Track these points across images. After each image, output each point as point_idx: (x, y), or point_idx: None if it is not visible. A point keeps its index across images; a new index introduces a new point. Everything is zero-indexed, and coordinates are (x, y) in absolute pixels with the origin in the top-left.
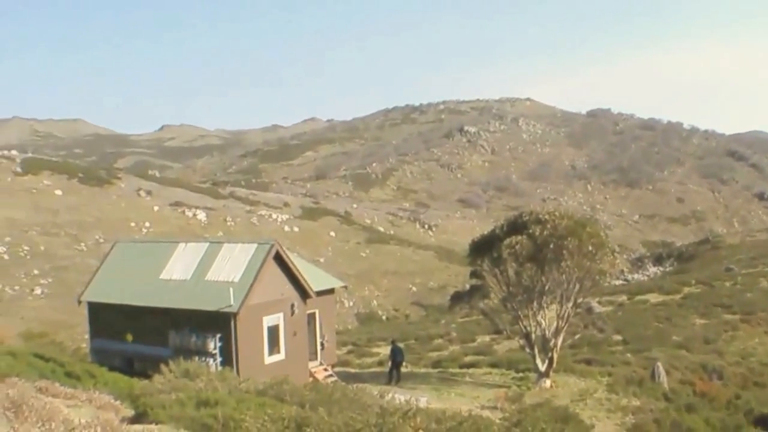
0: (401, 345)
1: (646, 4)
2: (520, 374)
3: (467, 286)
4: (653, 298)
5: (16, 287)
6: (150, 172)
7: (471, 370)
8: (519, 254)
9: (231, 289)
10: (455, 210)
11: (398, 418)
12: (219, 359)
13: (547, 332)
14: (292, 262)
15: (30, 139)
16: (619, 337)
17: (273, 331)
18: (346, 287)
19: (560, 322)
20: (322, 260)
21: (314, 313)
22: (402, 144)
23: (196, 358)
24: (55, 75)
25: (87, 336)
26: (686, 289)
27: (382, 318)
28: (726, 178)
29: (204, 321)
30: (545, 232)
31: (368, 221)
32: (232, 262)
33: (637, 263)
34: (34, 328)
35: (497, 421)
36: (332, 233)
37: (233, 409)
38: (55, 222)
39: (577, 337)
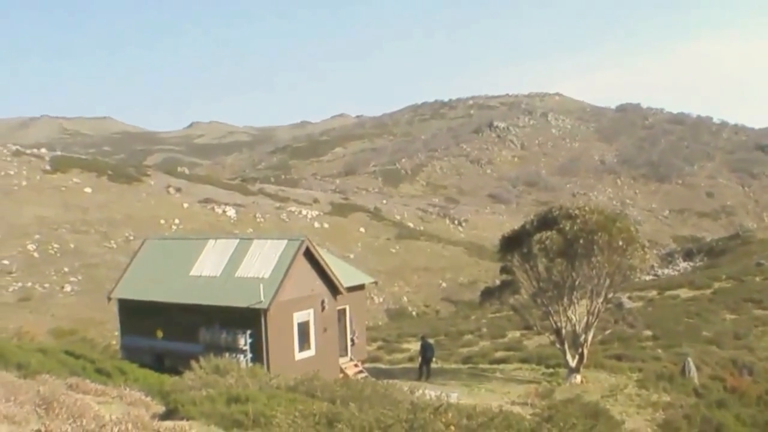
0: (431, 341)
1: None
2: (551, 370)
3: (497, 282)
4: (683, 293)
5: (47, 285)
6: (179, 169)
7: (501, 366)
8: (549, 249)
9: (261, 286)
10: (485, 205)
11: (429, 414)
12: (249, 355)
13: (577, 328)
14: (322, 258)
15: (59, 137)
16: (649, 333)
17: (303, 327)
18: (376, 283)
19: (591, 318)
20: (351, 256)
21: (344, 309)
22: (431, 139)
23: (227, 354)
24: (83, 73)
25: (117, 333)
26: (716, 285)
27: (412, 314)
28: (756, 172)
29: (234, 317)
30: (575, 227)
31: (398, 217)
32: (263, 259)
33: (667, 258)
34: (65, 326)
35: (528, 416)
36: (362, 229)
37: (264, 406)
38: (84, 219)
39: (607, 332)
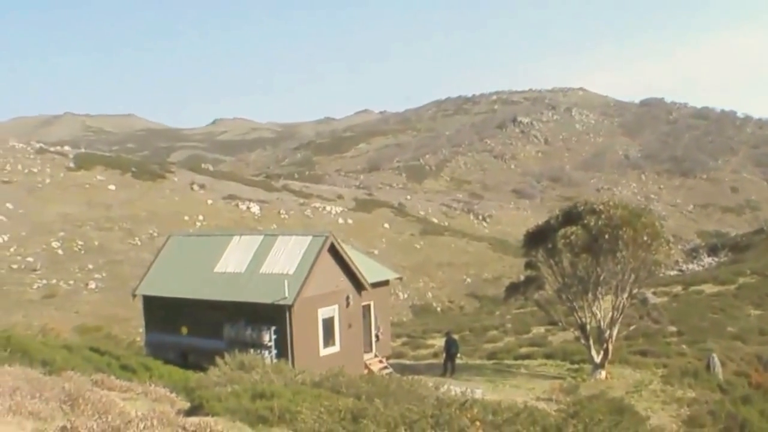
0: (456, 336)
1: None
2: (575, 366)
3: (522, 277)
4: (708, 288)
5: (71, 282)
6: (203, 165)
7: (526, 362)
8: (574, 245)
9: (286, 282)
10: (509, 201)
11: (455, 410)
12: (274, 351)
13: (602, 323)
14: (346, 254)
15: (82, 134)
16: (674, 329)
17: (328, 323)
18: (400, 279)
19: (615, 313)
20: (376, 252)
21: (369, 305)
22: (455, 135)
23: (251, 350)
24: (106, 71)
25: (141, 329)
26: (741, 280)
27: (437, 310)
28: None
29: (259, 313)
30: (600, 223)
31: (422, 213)
32: (287, 255)
33: (692, 253)
34: (89, 322)
35: (553, 412)
36: (386, 225)
37: (289, 401)
38: (108, 216)
39: (632, 328)
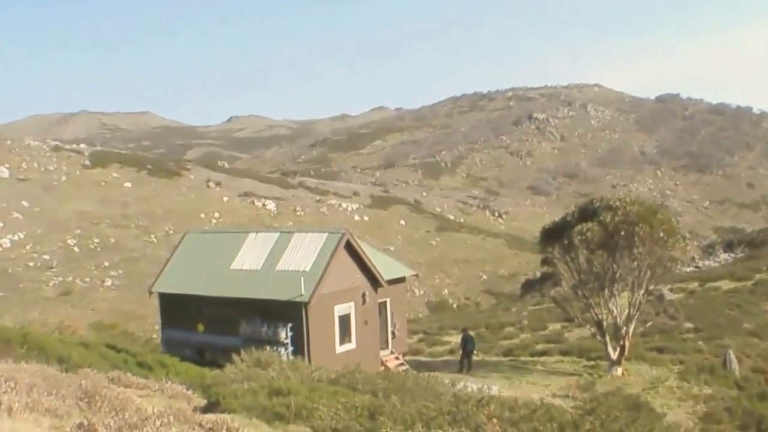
0: (472, 333)
1: None
2: (592, 362)
3: (538, 274)
4: (724, 284)
5: (87, 279)
6: (219, 163)
7: (542, 359)
8: (590, 241)
9: (302, 279)
10: (525, 197)
11: (472, 406)
12: (290, 348)
13: (618, 320)
14: (363, 251)
15: (98, 132)
16: (690, 325)
17: (344, 320)
18: (416, 276)
19: (632, 310)
20: (392, 249)
21: (385, 302)
22: (471, 131)
23: (268, 347)
24: (122, 69)
25: (158, 327)
26: (758, 276)
27: (453, 306)
28: None
29: (275, 310)
30: (616, 219)
31: (438, 209)
32: (303, 252)
33: (708, 250)
34: (105, 320)
35: (569, 409)
36: (402, 222)
37: (306, 398)
38: (124, 214)
39: (648, 324)
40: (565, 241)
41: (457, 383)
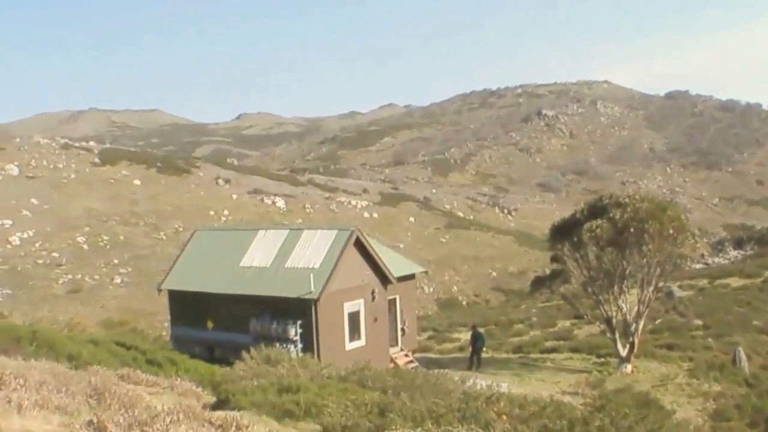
0: (482, 330)
1: None
2: (601, 359)
3: (547, 271)
4: (734, 282)
5: (97, 276)
6: (228, 160)
7: (552, 356)
8: (599, 238)
9: (311, 276)
10: (534, 194)
11: (481, 403)
12: (300, 346)
13: (628, 317)
14: (372, 248)
15: (107, 130)
16: (699, 322)
17: (354, 317)
18: (426, 273)
19: (641, 307)
20: (401, 246)
21: (395, 299)
22: (480, 128)
23: (277, 344)
24: (131, 66)
25: (167, 324)
26: (767, 273)
27: (462, 303)
28: None
29: (284, 308)
30: (626, 216)
31: (447, 206)
32: (313, 249)
33: (718, 247)
34: (115, 317)
35: (579, 406)
36: (411, 219)
37: (315, 395)
38: (133, 211)
39: (658, 321)
40: (575, 238)
41: (467, 380)
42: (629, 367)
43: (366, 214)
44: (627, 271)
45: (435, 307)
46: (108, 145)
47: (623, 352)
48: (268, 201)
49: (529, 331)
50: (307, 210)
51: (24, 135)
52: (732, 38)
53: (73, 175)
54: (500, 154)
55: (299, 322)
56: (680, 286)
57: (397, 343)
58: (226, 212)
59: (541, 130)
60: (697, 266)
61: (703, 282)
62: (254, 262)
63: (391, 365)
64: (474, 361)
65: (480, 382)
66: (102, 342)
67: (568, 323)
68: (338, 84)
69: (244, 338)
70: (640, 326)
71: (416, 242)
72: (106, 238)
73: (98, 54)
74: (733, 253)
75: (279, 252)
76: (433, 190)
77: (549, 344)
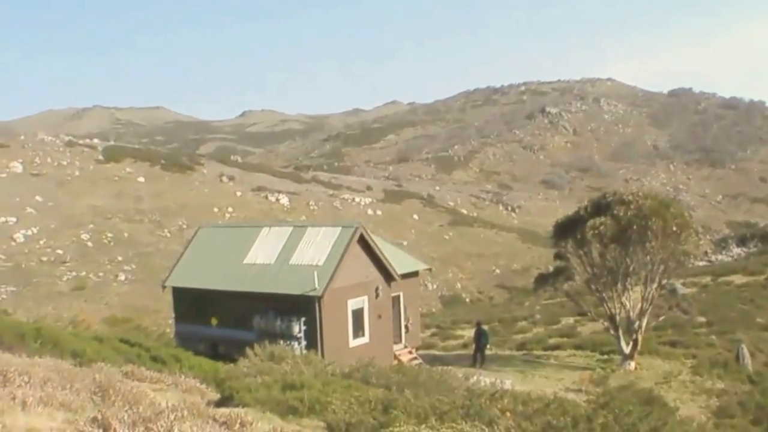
0: (485, 327)
1: None
2: (605, 356)
3: (551, 268)
4: (737, 279)
5: (101, 274)
6: (232, 157)
7: (555, 353)
8: (603, 235)
9: (315, 273)
10: (538, 191)
11: (485, 400)
12: (303, 342)
13: (631, 314)
14: (376, 245)
15: (111, 127)
16: (703, 319)
17: (357, 314)
18: (430, 270)
19: (645, 304)
20: (405, 243)
21: (398, 296)
22: (484, 126)
23: (281, 341)
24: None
25: (171, 321)
26: None
27: (466, 300)
28: None
29: (288, 305)
30: (629, 213)
31: (451, 204)
32: (316, 246)
33: (721, 244)
34: (119, 314)
35: (582, 403)
36: (415, 216)
37: (319, 392)
38: (138, 209)
39: (661, 319)
40: (578, 236)
41: (471, 377)
42: (632, 364)
43: (370, 212)
44: (630, 269)
45: (439, 304)
46: (112, 143)
47: (626, 349)
48: (272, 198)
49: (532, 328)
50: (311, 207)
51: (28, 132)
52: (735, 36)
53: (77, 173)
54: (504, 151)
55: (303, 319)
56: (684, 284)
57: (400, 340)
58: (230, 209)
59: (545, 128)
60: (701, 263)
61: (707, 279)
62: (258, 259)
63: (395, 362)
64: (478, 358)
65: (484, 379)
66: (106, 339)
67: (571, 320)
68: (342, 81)
69: (248, 335)
70: (644, 323)
71: (420, 239)
72: (110, 235)
73: (102, 51)
74: (737, 251)
75: (283, 249)
76: (437, 188)
77: (552, 341)
